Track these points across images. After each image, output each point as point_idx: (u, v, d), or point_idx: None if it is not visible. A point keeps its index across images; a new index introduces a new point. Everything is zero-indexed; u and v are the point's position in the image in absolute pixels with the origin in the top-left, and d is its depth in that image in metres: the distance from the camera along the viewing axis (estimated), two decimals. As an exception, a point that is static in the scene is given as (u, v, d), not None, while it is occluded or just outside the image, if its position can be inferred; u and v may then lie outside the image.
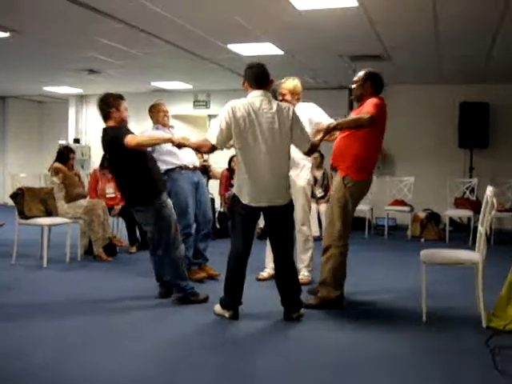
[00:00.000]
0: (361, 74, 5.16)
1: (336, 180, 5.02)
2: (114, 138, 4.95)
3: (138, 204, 5.07)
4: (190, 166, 5.98)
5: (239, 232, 4.56)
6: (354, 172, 4.88)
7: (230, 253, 4.61)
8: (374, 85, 5.16)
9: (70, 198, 7.31)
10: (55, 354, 3.80)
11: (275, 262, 4.69)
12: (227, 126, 4.37)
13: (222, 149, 4.59)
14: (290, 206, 4.61)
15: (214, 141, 4.45)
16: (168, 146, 5.56)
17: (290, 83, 5.97)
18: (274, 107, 4.44)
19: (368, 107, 4.83)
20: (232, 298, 4.59)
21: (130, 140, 4.84)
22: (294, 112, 4.51)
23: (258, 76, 4.57)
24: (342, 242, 4.94)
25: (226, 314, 4.59)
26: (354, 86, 5.22)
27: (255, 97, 4.46)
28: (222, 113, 4.43)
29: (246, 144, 4.37)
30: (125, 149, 4.83)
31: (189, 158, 5.96)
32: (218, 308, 4.70)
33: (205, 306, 5.00)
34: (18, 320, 4.58)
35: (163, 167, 5.77)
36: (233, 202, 4.60)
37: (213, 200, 9.64)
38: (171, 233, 5.07)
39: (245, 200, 4.42)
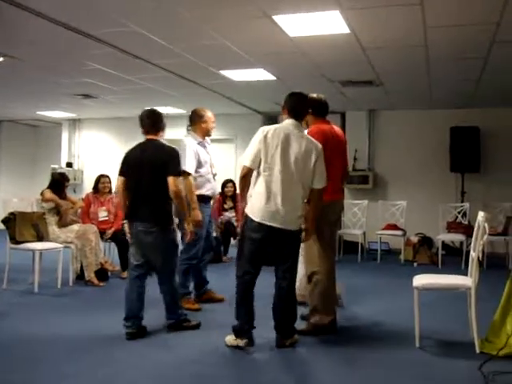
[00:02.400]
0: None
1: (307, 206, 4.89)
2: (177, 158, 4.99)
3: (158, 224, 4.86)
4: (215, 197, 6.06)
5: (248, 252, 4.47)
6: (325, 194, 4.78)
7: (237, 276, 4.53)
8: (314, 110, 5.09)
9: (64, 224, 7.28)
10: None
11: (276, 286, 4.58)
12: (259, 148, 4.40)
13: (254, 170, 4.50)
14: (300, 234, 4.59)
15: (248, 163, 4.44)
16: (209, 174, 5.92)
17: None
18: (304, 141, 4.50)
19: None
20: (245, 323, 4.47)
21: (175, 181, 4.85)
22: (321, 150, 4.55)
23: (295, 107, 4.64)
24: (324, 265, 4.93)
25: (241, 343, 4.45)
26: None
27: (289, 125, 4.54)
28: (255, 137, 4.47)
29: (271, 167, 4.38)
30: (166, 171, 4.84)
31: (217, 188, 6.00)
32: (229, 339, 4.55)
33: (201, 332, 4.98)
34: (8, 347, 4.54)
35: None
36: (244, 221, 4.55)
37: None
38: (177, 259, 5.17)
39: (257, 218, 4.38)
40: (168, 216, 4.96)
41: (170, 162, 4.89)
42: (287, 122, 4.56)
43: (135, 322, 4.83)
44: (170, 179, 4.81)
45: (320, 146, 4.56)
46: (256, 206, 4.40)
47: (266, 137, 4.40)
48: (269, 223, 4.35)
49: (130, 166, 5.01)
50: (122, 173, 5.07)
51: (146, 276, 5.02)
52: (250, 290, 4.50)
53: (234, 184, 9.64)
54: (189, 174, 5.66)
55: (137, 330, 4.81)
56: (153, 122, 5.08)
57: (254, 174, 4.50)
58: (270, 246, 4.48)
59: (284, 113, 4.68)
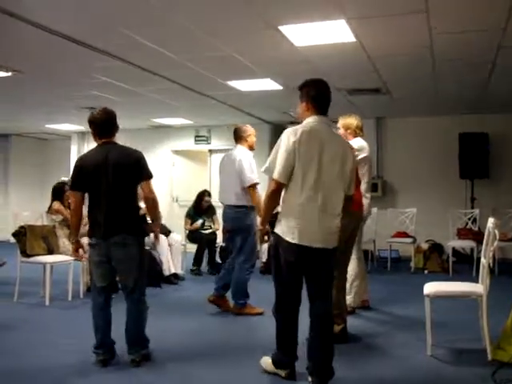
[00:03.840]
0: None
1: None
2: (145, 160, 4.52)
3: (134, 235, 4.41)
4: None
5: (287, 280, 3.89)
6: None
7: (276, 304, 3.99)
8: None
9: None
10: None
11: (313, 316, 3.91)
12: (291, 156, 3.72)
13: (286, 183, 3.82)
14: (336, 251, 3.96)
15: (280, 177, 3.74)
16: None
17: (343, 119, 6.13)
18: (340, 142, 3.99)
19: None
20: (287, 354, 3.99)
21: (151, 186, 4.47)
22: (353, 151, 4.13)
23: (323, 99, 3.96)
24: (341, 274, 4.92)
25: (282, 374, 3.98)
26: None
27: (321, 123, 3.87)
28: (285, 142, 3.76)
29: (308, 177, 3.72)
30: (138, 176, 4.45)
31: None
32: (269, 365, 4.09)
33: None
34: (20, 360, 4.56)
35: (243, 202, 5.94)
36: (276, 244, 3.88)
37: (215, 234, 9.67)
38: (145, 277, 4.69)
39: (294, 239, 3.73)
40: (141, 225, 4.63)
41: (140, 165, 4.44)
42: (318, 120, 3.87)
43: (107, 348, 4.47)
44: (144, 184, 4.43)
45: (352, 146, 4.23)
46: (291, 225, 3.74)
47: (300, 142, 3.71)
48: (308, 244, 3.73)
49: (89, 175, 4.38)
50: (77, 187, 4.47)
51: (111, 299, 4.55)
52: (294, 319, 3.96)
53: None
54: (257, 184, 5.85)
55: (109, 356, 4.45)
56: (109, 122, 4.53)
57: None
58: (308, 270, 3.89)
59: (304, 107, 3.96)
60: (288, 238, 3.75)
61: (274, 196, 3.81)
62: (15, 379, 4.11)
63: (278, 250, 3.87)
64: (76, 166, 4.52)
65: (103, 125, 4.51)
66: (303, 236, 3.72)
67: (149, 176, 4.46)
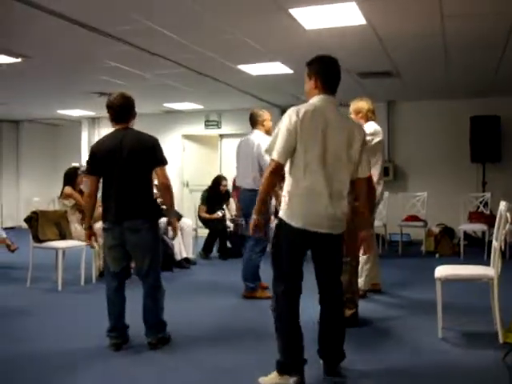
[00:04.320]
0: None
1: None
2: (160, 146, 4.51)
3: (148, 220, 4.40)
4: None
5: (288, 267, 3.62)
6: None
7: (276, 298, 3.65)
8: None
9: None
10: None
11: (321, 301, 3.75)
12: (292, 136, 3.49)
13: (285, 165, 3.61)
14: (342, 237, 3.74)
15: (279, 157, 3.50)
16: None
17: (354, 103, 6.13)
18: (347, 122, 3.73)
19: None
20: (293, 357, 3.59)
21: (165, 172, 4.45)
22: (364, 131, 3.79)
23: (332, 77, 3.70)
24: (353, 258, 4.92)
25: (291, 381, 3.53)
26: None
27: (327, 103, 3.63)
28: (286, 121, 3.52)
29: (312, 159, 3.49)
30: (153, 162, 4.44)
31: None
32: (273, 378, 3.62)
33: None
34: (33, 345, 4.61)
35: (253, 186, 5.90)
36: (279, 229, 3.63)
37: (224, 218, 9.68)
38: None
39: (298, 223, 3.49)
40: (156, 210, 4.60)
41: (155, 151, 4.41)
42: (324, 99, 3.62)
43: (121, 332, 4.50)
44: (159, 170, 4.39)
45: (362, 126, 3.96)
46: (296, 209, 3.52)
47: (302, 121, 3.47)
48: (313, 229, 3.51)
49: (103, 160, 4.41)
50: (92, 171, 4.51)
51: (125, 283, 4.58)
52: (296, 311, 3.63)
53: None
54: None
55: (122, 341, 4.47)
56: (125, 108, 4.58)
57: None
58: (315, 256, 3.71)
59: (312, 85, 3.69)
60: (292, 223, 3.51)
61: (271, 177, 3.56)
62: (28, 363, 4.15)
63: (280, 237, 3.62)
64: (92, 151, 4.55)
65: (119, 110, 4.54)
66: (308, 220, 3.50)
67: (163, 162, 4.43)
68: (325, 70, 3.68)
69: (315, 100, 3.63)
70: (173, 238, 5.12)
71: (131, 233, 4.33)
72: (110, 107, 4.56)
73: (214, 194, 9.71)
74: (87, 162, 4.57)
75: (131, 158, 4.34)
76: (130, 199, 4.34)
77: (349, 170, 3.61)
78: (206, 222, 9.65)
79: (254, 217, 3.67)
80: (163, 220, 6.04)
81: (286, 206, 3.56)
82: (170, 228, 4.58)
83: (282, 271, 3.62)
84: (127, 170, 4.34)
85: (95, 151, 4.52)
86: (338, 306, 3.77)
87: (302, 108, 3.53)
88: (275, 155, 3.51)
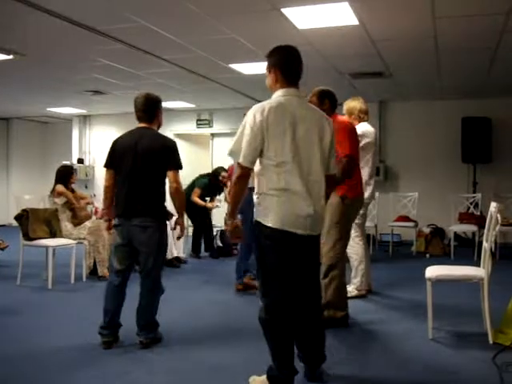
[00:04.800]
0: (314, 91, 4.83)
1: (333, 201, 4.66)
2: (177, 151, 4.55)
3: (156, 220, 4.42)
4: None
5: (270, 274, 3.37)
6: (350, 190, 4.92)
7: (265, 307, 3.40)
8: (332, 103, 4.84)
9: (79, 222, 7.32)
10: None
11: (305, 315, 3.56)
12: (258, 137, 3.26)
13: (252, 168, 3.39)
14: (319, 237, 3.58)
15: (245, 161, 3.28)
16: None
17: (346, 104, 6.16)
18: (315, 115, 3.48)
19: (340, 137, 4.21)
20: (284, 368, 3.40)
21: (177, 176, 4.50)
22: (332, 123, 3.56)
23: (292, 67, 3.46)
24: (342, 261, 4.94)
25: None
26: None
27: (292, 96, 3.39)
28: (249, 121, 3.29)
29: (284, 158, 3.27)
30: (166, 165, 4.49)
31: None
32: (262, 382, 3.50)
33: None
34: (23, 343, 4.59)
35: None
36: (256, 232, 3.40)
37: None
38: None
39: (276, 224, 3.27)
40: (165, 212, 4.57)
41: (170, 154, 4.44)
42: (287, 93, 3.40)
43: (114, 330, 4.50)
44: (171, 174, 4.41)
45: (330, 118, 3.60)
46: (272, 210, 3.29)
47: (267, 119, 3.25)
48: (290, 229, 3.29)
49: (121, 155, 4.48)
50: (110, 164, 4.59)
51: (127, 282, 4.59)
52: (286, 321, 3.40)
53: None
54: None
55: (113, 339, 4.47)
56: (147, 108, 4.58)
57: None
58: (293, 258, 3.40)
59: (273, 79, 3.47)
60: (269, 224, 3.29)
61: (240, 182, 3.34)
62: (18, 362, 4.13)
63: (260, 240, 3.38)
64: (112, 145, 4.64)
65: (141, 109, 4.58)
66: (286, 221, 3.27)
67: (176, 166, 4.46)
68: (284, 61, 3.46)
69: (278, 94, 3.41)
70: (178, 238, 5.14)
71: (139, 230, 4.36)
72: (134, 106, 4.64)
73: (215, 185, 9.59)
74: (107, 155, 4.64)
75: (145, 158, 4.39)
76: (141, 197, 4.38)
77: (323, 166, 3.42)
78: (193, 211, 9.24)
79: (228, 222, 3.50)
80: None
81: (261, 208, 3.35)
82: (177, 227, 4.61)
83: (269, 283, 3.39)
84: (140, 169, 4.39)
85: (115, 146, 4.61)
86: (316, 309, 3.60)
87: (266, 105, 3.30)
88: (242, 160, 3.28)
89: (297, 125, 3.31)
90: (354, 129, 5.04)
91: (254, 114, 3.28)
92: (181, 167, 4.51)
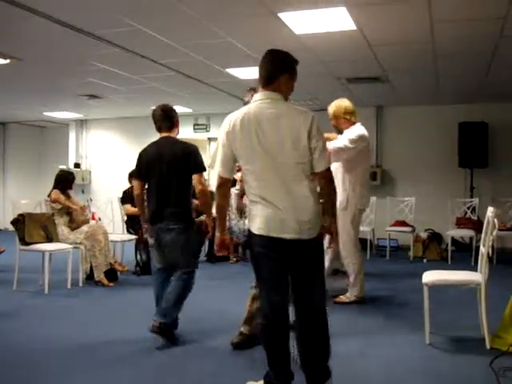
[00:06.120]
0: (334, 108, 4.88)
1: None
2: (199, 154, 4.93)
3: (181, 222, 4.70)
4: None
5: (265, 280, 3.36)
6: None
7: (260, 312, 3.48)
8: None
9: (76, 226, 7.30)
10: None
11: (297, 316, 3.39)
12: (226, 148, 3.32)
13: (231, 177, 3.44)
14: (319, 242, 3.39)
15: (219, 171, 3.36)
16: None
17: (329, 108, 6.01)
18: (285, 116, 3.25)
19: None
20: (280, 373, 3.35)
21: (202, 179, 4.82)
22: (313, 120, 3.25)
23: (263, 68, 3.39)
24: None
25: None
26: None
27: (259, 102, 3.31)
28: (220, 132, 3.38)
29: (253, 166, 3.26)
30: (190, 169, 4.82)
31: None
32: None
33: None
34: (19, 348, 4.56)
35: None
36: (248, 239, 3.45)
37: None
38: (197, 260, 5.16)
39: (261, 230, 3.24)
40: (191, 215, 4.82)
41: (192, 159, 4.75)
42: (256, 98, 3.35)
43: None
44: (196, 177, 4.71)
45: (311, 114, 3.29)
46: (256, 216, 3.28)
47: (233, 131, 3.26)
48: (276, 235, 3.22)
49: (147, 166, 4.80)
50: (138, 175, 4.93)
51: (170, 279, 4.76)
52: (280, 328, 3.35)
53: None
54: None
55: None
56: (164, 118, 4.90)
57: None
58: (284, 265, 3.33)
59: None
60: (255, 231, 3.27)
61: (219, 192, 3.41)
62: (14, 367, 4.11)
63: (252, 247, 3.39)
64: (139, 156, 4.95)
65: (160, 120, 4.90)
66: (271, 226, 3.21)
67: (199, 169, 4.76)
68: (259, 66, 3.40)
69: (255, 98, 3.37)
70: (206, 237, 5.39)
71: (164, 232, 4.69)
72: (153, 118, 4.94)
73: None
74: (136, 166, 4.96)
75: (170, 165, 4.69)
76: (168, 202, 4.69)
77: (302, 167, 3.24)
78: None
79: (217, 235, 3.54)
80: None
81: (250, 215, 3.36)
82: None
83: (261, 290, 3.41)
84: (166, 176, 4.69)
85: (141, 157, 4.93)
86: (316, 322, 3.36)
87: (234, 115, 3.32)
88: (217, 170, 3.39)
89: (265, 130, 3.22)
90: None
91: (223, 126, 3.34)
92: (204, 169, 4.79)
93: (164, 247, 4.76)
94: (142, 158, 4.90)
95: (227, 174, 3.37)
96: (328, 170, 3.32)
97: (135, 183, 4.95)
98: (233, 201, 8.55)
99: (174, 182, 4.69)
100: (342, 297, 6.01)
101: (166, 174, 4.69)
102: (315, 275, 3.36)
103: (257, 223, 3.26)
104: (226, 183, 3.41)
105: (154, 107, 4.99)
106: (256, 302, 4.26)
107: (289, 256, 3.28)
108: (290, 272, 3.33)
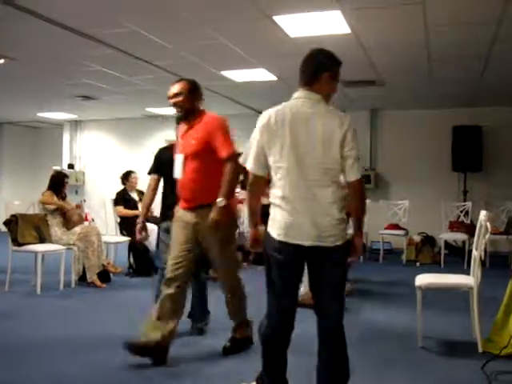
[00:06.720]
0: (182, 84, 4.49)
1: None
2: None
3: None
4: None
5: (276, 284, 3.16)
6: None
7: (266, 318, 3.24)
8: (199, 96, 4.56)
9: (72, 226, 7.28)
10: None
11: (320, 329, 3.19)
12: (259, 142, 3.17)
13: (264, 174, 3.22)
14: (343, 251, 3.13)
15: (250, 167, 3.21)
16: None
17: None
18: (322, 116, 3.11)
19: (219, 138, 4.17)
20: (272, 377, 3.27)
21: None
22: (349, 125, 3.11)
23: (302, 67, 3.27)
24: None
25: None
26: (173, 100, 4.50)
27: (297, 99, 3.20)
28: (256, 129, 3.24)
29: (281, 164, 3.10)
30: None
31: None
32: None
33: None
34: (10, 349, 4.55)
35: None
36: (265, 243, 3.21)
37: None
38: None
39: (279, 235, 3.07)
40: None
41: None
42: (294, 96, 3.23)
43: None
44: None
45: (348, 118, 3.14)
46: (276, 219, 3.12)
47: (268, 124, 3.13)
48: (293, 241, 3.04)
49: (164, 163, 4.91)
50: (154, 170, 5.07)
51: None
52: (280, 337, 3.23)
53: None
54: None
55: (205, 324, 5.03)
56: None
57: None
58: (300, 272, 3.19)
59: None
60: (274, 235, 3.10)
61: (251, 189, 3.27)
62: (6, 368, 4.10)
63: (266, 249, 3.19)
64: (156, 154, 5.19)
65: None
66: (290, 232, 3.05)
67: None
68: (301, 64, 3.30)
69: (293, 96, 3.26)
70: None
71: (167, 233, 4.75)
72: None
73: None
74: (153, 163, 5.14)
75: None
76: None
77: (331, 173, 3.08)
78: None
79: (250, 231, 3.36)
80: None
81: (270, 218, 3.17)
82: None
83: (269, 294, 3.22)
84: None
85: (160, 154, 5.15)
86: (336, 337, 3.18)
87: (273, 110, 3.19)
88: (248, 166, 3.23)
89: (298, 129, 3.08)
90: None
91: (259, 119, 3.21)
92: None
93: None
94: (161, 155, 5.10)
95: (260, 171, 3.19)
96: (359, 180, 3.13)
97: (151, 178, 5.04)
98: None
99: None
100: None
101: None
102: (334, 287, 3.15)
103: (276, 228, 3.09)
104: (258, 181, 3.22)
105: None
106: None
107: (308, 263, 3.14)
108: (309, 281, 3.19)
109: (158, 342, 4.09)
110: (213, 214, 4.04)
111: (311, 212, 3.04)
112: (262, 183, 3.25)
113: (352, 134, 3.07)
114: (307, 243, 3.02)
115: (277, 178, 3.12)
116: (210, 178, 4.16)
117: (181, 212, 4.34)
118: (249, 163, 3.21)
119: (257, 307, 3.74)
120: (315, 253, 3.05)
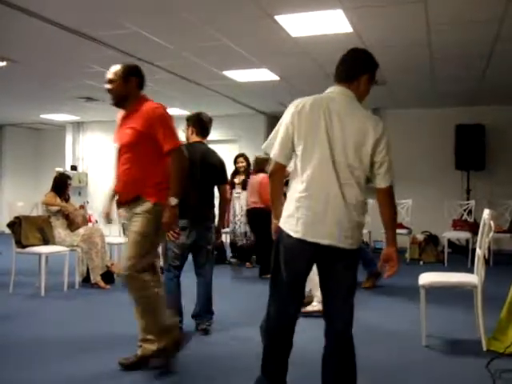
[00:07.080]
0: (117, 68, 4.14)
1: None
2: (225, 167, 5.31)
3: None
4: None
5: (283, 284, 3.03)
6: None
7: (267, 314, 3.16)
8: (139, 82, 4.32)
9: (76, 228, 7.29)
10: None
11: (328, 332, 3.11)
12: (289, 130, 3.00)
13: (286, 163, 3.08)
14: (356, 256, 3.11)
15: (275, 155, 3.04)
16: None
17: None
18: (357, 115, 3.00)
19: (162, 128, 4.00)
20: (271, 381, 3.13)
21: (227, 189, 5.54)
22: (383, 131, 3.00)
23: (340, 66, 3.24)
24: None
25: None
26: (109, 86, 4.11)
27: (333, 93, 3.09)
28: (283, 116, 3.10)
29: (309, 156, 2.94)
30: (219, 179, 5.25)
31: None
32: None
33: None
34: (15, 350, 4.55)
35: None
36: (278, 238, 3.05)
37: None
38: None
39: (296, 232, 2.91)
40: (211, 217, 5.11)
41: (222, 170, 5.16)
42: (330, 90, 3.12)
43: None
44: (224, 187, 5.19)
45: (382, 123, 3.03)
46: (292, 216, 2.95)
47: (300, 112, 2.98)
48: (312, 239, 2.90)
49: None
50: None
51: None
52: (284, 334, 3.11)
53: (245, 158, 9.03)
54: None
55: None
56: (204, 125, 5.26)
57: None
58: (308, 271, 3.08)
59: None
60: (289, 232, 2.94)
61: (272, 180, 3.12)
62: (11, 370, 4.10)
63: (278, 247, 3.03)
64: None
65: (208, 126, 5.32)
66: (308, 229, 2.89)
67: (227, 181, 5.37)
68: (340, 61, 3.26)
69: (326, 90, 3.15)
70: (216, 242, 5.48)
71: (205, 231, 5.04)
72: (201, 121, 5.32)
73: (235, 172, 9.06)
74: None
75: (207, 171, 4.98)
76: (206, 204, 5.02)
77: (360, 174, 2.97)
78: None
79: (274, 222, 3.18)
80: None
81: (284, 212, 3.02)
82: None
83: (276, 292, 3.09)
84: (201, 180, 4.91)
85: None
86: (344, 343, 3.11)
87: (304, 99, 3.05)
88: (272, 154, 3.05)
89: (333, 122, 2.94)
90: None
91: (289, 107, 3.08)
92: (227, 181, 5.44)
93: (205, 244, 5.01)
94: None
95: (283, 160, 3.02)
96: (391, 186, 3.10)
97: None
98: (237, 205, 8.47)
99: (208, 187, 5.03)
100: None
101: (201, 178, 4.89)
102: (346, 290, 3.06)
103: (293, 225, 2.93)
104: (280, 169, 3.07)
105: (199, 111, 5.44)
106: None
107: (322, 263, 3.03)
108: (322, 282, 3.09)
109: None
110: (164, 218, 3.82)
111: (336, 211, 2.91)
112: (284, 172, 3.12)
113: (386, 141, 2.99)
114: (325, 242, 2.89)
115: (302, 170, 2.95)
116: (143, 171, 3.90)
117: (121, 209, 4.18)
118: (274, 149, 3.05)
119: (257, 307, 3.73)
120: (330, 253, 2.93)
